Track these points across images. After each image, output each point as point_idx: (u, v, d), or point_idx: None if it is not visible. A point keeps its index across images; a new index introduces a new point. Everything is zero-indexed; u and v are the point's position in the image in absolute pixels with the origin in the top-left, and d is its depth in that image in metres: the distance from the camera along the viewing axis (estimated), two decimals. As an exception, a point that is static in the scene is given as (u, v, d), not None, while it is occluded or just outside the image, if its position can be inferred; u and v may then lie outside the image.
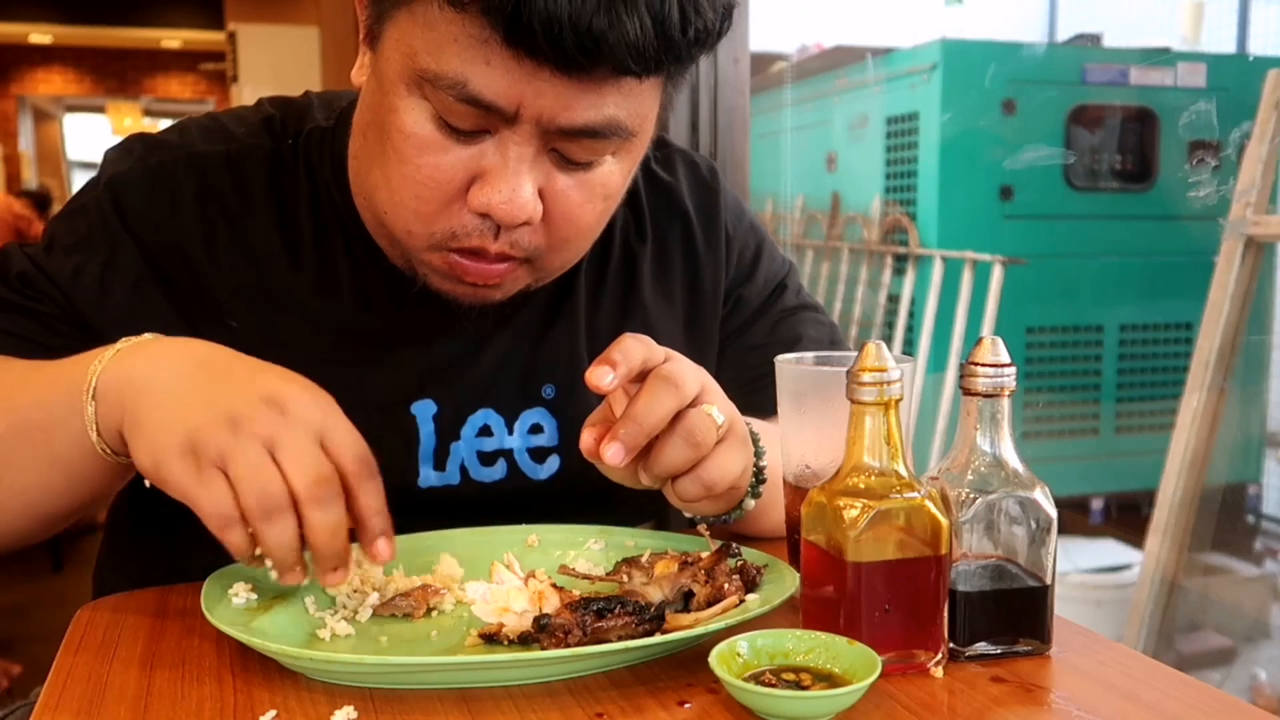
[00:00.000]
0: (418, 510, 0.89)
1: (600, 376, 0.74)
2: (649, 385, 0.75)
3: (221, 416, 0.71)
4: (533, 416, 0.99)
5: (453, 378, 0.97)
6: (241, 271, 0.94)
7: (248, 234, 0.94)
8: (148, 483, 0.74)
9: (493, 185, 0.81)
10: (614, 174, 0.86)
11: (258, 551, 0.71)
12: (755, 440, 0.87)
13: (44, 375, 0.82)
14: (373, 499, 0.73)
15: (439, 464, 0.97)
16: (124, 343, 0.78)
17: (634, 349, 0.76)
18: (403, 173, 0.83)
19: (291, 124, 0.99)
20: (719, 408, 0.78)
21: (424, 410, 0.96)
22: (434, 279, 0.89)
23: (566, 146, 0.81)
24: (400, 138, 0.81)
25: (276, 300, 0.94)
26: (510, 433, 0.99)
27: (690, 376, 0.77)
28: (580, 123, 0.79)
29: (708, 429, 0.76)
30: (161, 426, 0.72)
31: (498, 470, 0.98)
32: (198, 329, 0.87)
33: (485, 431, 0.98)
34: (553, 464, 1.00)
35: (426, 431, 0.96)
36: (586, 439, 0.76)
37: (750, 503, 0.87)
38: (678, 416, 0.76)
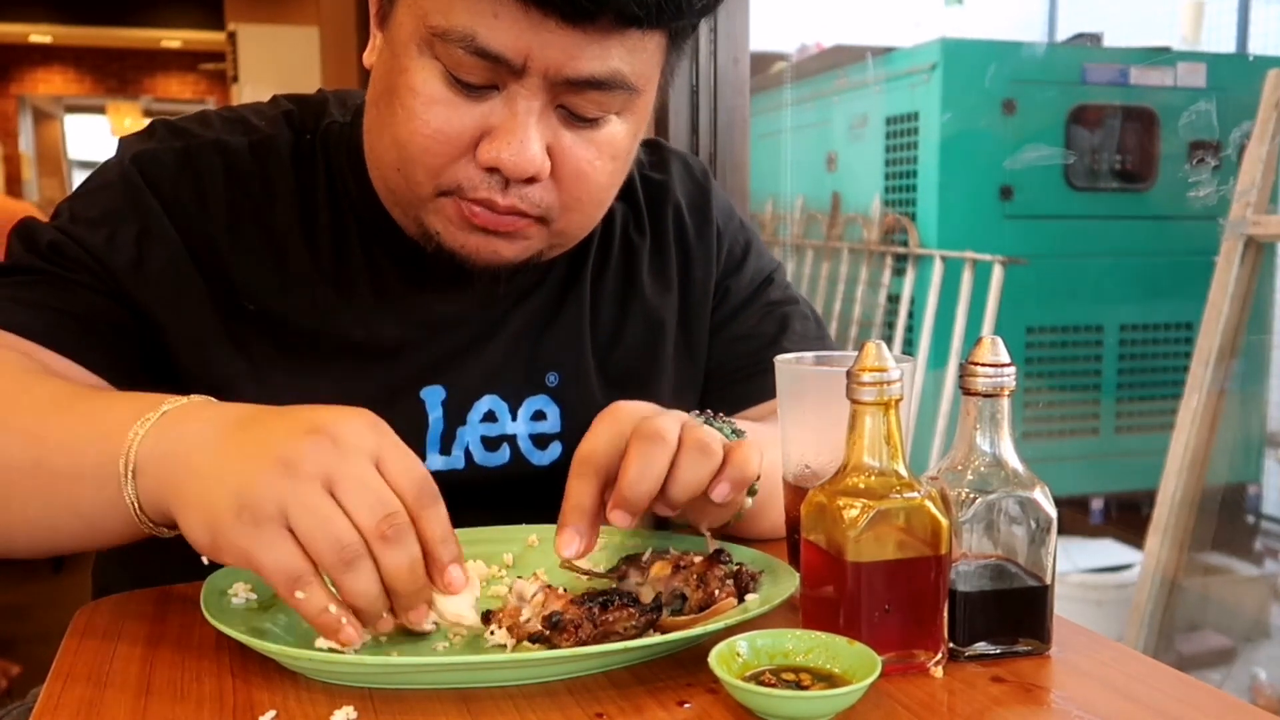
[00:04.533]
0: None
1: (566, 547, 0.76)
2: (634, 448, 0.75)
3: (271, 464, 0.66)
4: (536, 403, 1.01)
5: (461, 364, 0.99)
6: (261, 257, 0.95)
7: (269, 221, 0.96)
8: (205, 560, 0.70)
9: (501, 140, 0.83)
10: (620, 134, 0.88)
11: (333, 608, 0.66)
12: (740, 437, 0.88)
13: (75, 415, 0.77)
14: (438, 527, 0.69)
15: (445, 449, 0.99)
16: (164, 406, 0.74)
17: (588, 462, 0.77)
18: (411, 128, 0.84)
19: (309, 119, 1.01)
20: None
21: (433, 396, 0.98)
22: (446, 234, 0.89)
23: (573, 100, 0.83)
24: (410, 95, 0.84)
25: (293, 287, 0.95)
26: (514, 419, 1.01)
27: (670, 423, 0.76)
28: (586, 73, 0.81)
29: (713, 437, 0.76)
30: (208, 492, 0.68)
31: (501, 455, 1.00)
32: (221, 309, 0.91)
33: (490, 417, 1.00)
34: (555, 450, 1.02)
35: (435, 417, 0.98)
36: (564, 545, 0.76)
37: (748, 502, 0.88)
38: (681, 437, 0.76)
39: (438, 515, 0.69)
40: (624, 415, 0.78)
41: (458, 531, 0.90)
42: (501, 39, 0.79)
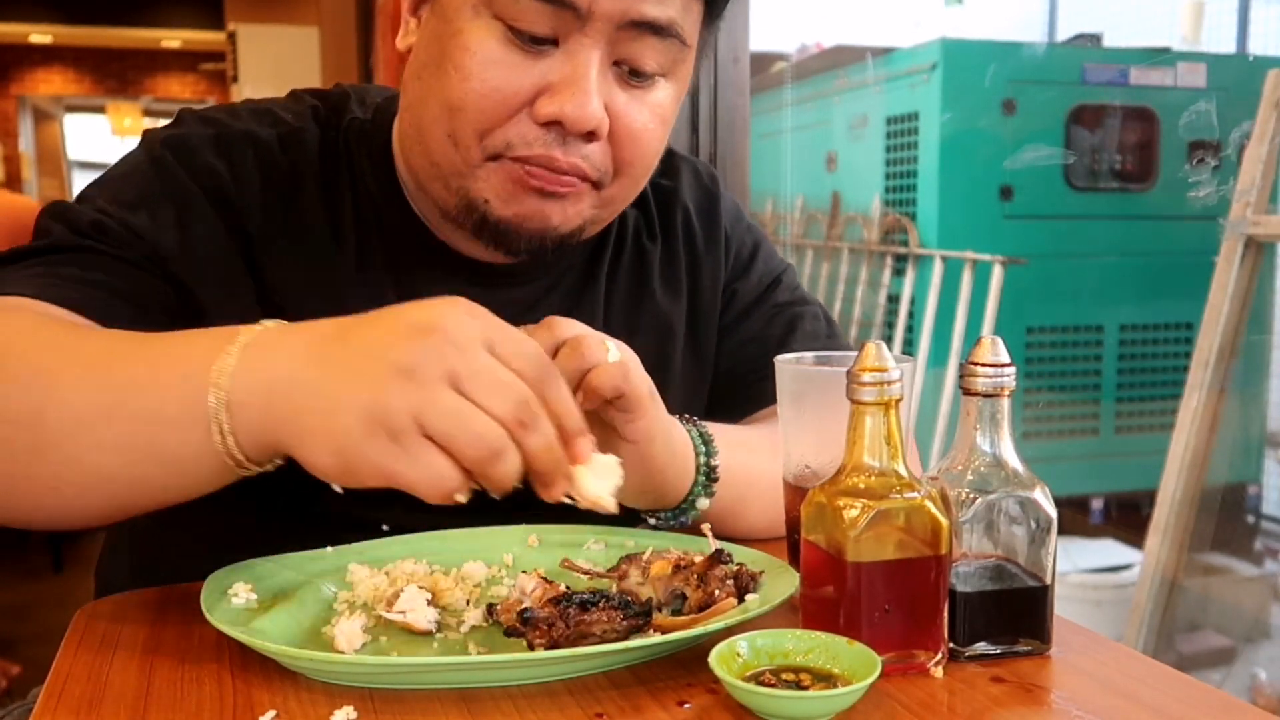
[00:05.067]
0: None
1: None
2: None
3: (391, 373, 0.64)
4: None
5: None
6: (290, 249, 0.95)
7: (297, 215, 0.95)
8: (338, 487, 0.67)
9: (565, 92, 0.84)
10: (667, 99, 0.91)
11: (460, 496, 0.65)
12: (708, 440, 0.90)
13: (144, 358, 0.72)
14: (563, 401, 0.68)
15: None
16: (243, 336, 0.70)
17: None
18: (466, 87, 0.85)
19: (334, 116, 1.01)
20: (625, 357, 0.81)
21: None
22: (495, 203, 0.89)
23: (632, 50, 0.86)
24: (466, 56, 0.85)
25: (321, 279, 0.95)
26: None
27: (567, 321, 0.80)
28: (650, 15, 0.84)
29: (594, 346, 0.79)
30: (331, 417, 0.65)
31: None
32: (253, 294, 0.91)
33: None
34: None
35: None
36: None
37: (704, 502, 0.89)
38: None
39: (560, 391, 0.69)
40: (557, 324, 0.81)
41: (458, 531, 0.91)
42: None
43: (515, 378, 0.66)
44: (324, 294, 0.94)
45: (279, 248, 0.94)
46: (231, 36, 6.77)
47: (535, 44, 0.84)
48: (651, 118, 0.89)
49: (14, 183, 11.06)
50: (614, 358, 0.80)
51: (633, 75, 0.87)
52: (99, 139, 12.67)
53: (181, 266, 0.90)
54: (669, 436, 0.86)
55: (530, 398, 0.66)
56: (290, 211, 0.95)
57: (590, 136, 0.86)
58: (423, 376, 0.63)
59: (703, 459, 0.89)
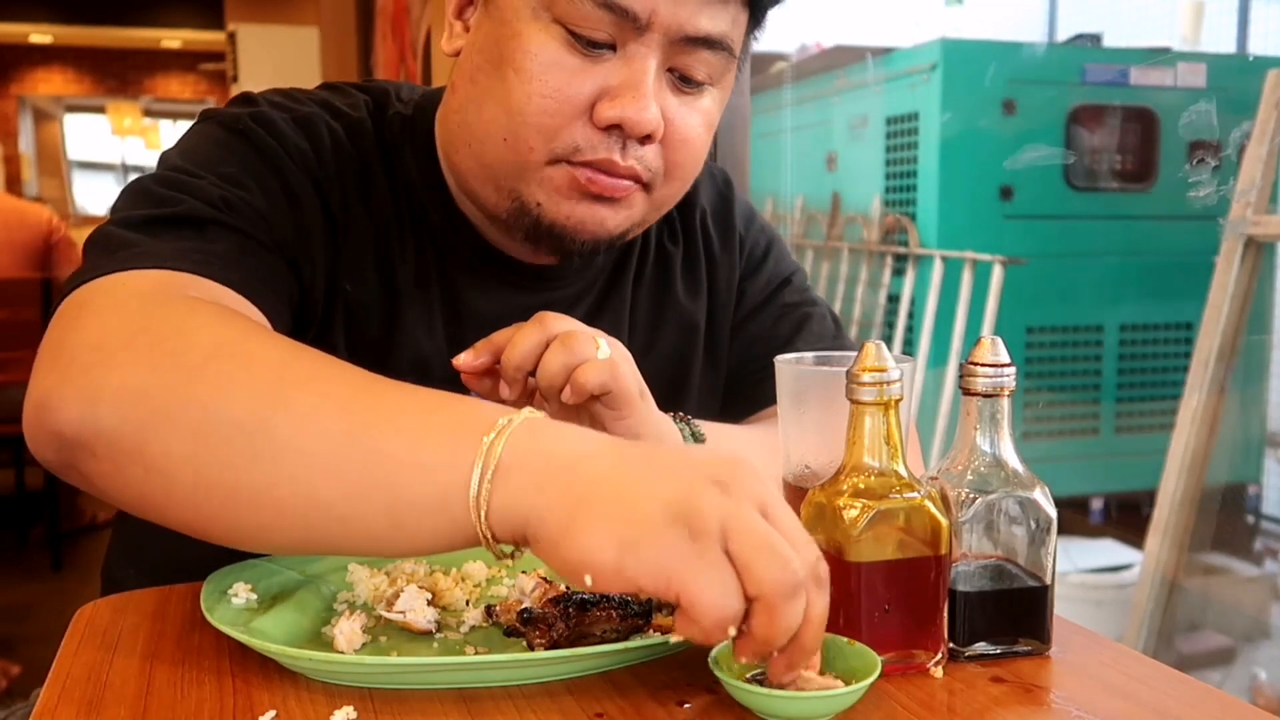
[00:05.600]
0: None
1: (465, 359, 0.82)
2: (517, 333, 0.81)
3: (706, 479, 0.59)
4: None
5: None
6: (364, 238, 0.95)
7: (370, 204, 0.96)
8: (589, 579, 0.59)
9: (626, 97, 0.85)
10: (714, 105, 0.93)
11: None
12: (699, 439, 0.91)
13: (395, 399, 0.67)
14: (820, 609, 0.60)
15: None
16: (507, 416, 0.64)
17: (501, 332, 0.82)
18: (528, 90, 0.86)
19: (379, 109, 1.01)
20: (616, 354, 0.82)
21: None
22: (549, 205, 0.89)
23: (685, 61, 0.87)
24: (527, 58, 0.85)
25: (387, 274, 0.96)
26: None
27: (558, 316, 0.82)
28: (705, 30, 0.86)
29: (583, 342, 0.80)
30: (633, 505, 0.58)
31: None
32: (330, 279, 0.92)
33: None
34: None
35: None
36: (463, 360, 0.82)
37: None
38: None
39: (824, 597, 0.61)
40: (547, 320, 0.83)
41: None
42: None
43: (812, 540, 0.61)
44: (386, 286, 0.96)
45: (354, 234, 0.95)
46: (231, 36, 6.76)
47: (594, 48, 0.85)
48: (700, 123, 0.91)
49: (14, 183, 11.06)
50: (604, 354, 0.80)
51: (684, 81, 0.89)
52: (99, 139, 12.66)
53: (292, 243, 0.89)
54: (658, 434, 0.86)
55: (824, 563, 0.61)
56: (364, 199, 0.95)
57: (647, 140, 0.87)
58: (736, 493, 0.59)
59: None
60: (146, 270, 0.76)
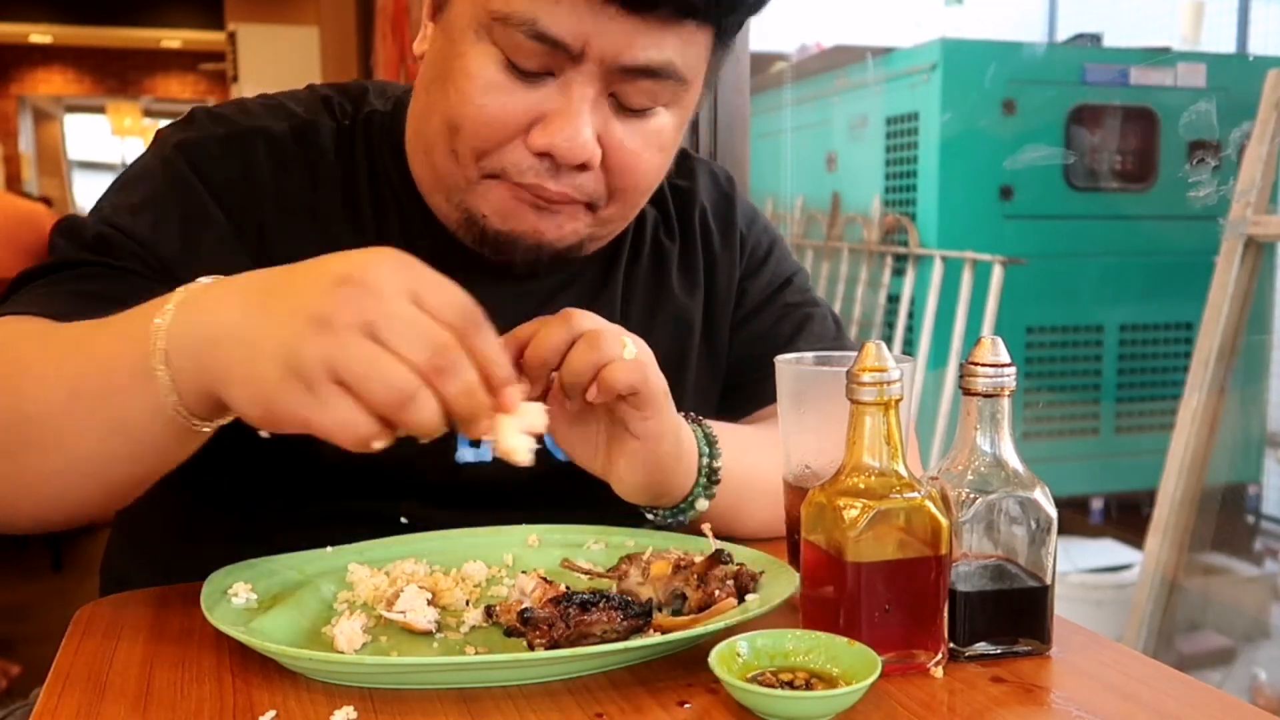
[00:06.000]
0: (451, 487, 0.94)
1: None
2: (542, 329, 0.80)
3: (306, 322, 0.64)
4: None
5: None
6: (306, 240, 0.94)
7: (313, 205, 0.96)
8: (264, 433, 0.68)
9: (555, 125, 0.85)
10: (667, 126, 0.90)
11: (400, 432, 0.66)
12: (712, 442, 0.91)
13: (99, 337, 0.75)
14: (489, 349, 0.68)
15: (474, 441, 0.98)
16: (179, 294, 0.72)
17: (525, 326, 0.82)
18: (464, 111, 0.86)
19: (349, 106, 1.01)
20: (639, 351, 0.82)
21: None
22: (493, 218, 0.90)
23: (625, 90, 0.86)
24: (466, 80, 0.85)
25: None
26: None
27: (585, 314, 0.81)
28: (642, 61, 0.83)
29: (611, 341, 0.79)
30: (252, 365, 0.66)
31: None
32: None
33: None
34: None
35: None
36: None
37: (702, 503, 0.90)
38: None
39: (487, 338, 0.68)
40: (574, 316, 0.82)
41: (457, 531, 0.91)
42: (562, 24, 0.81)
43: (433, 324, 0.65)
44: None
45: (294, 233, 0.95)
46: (231, 36, 6.76)
47: (531, 75, 0.85)
48: (646, 145, 0.89)
49: (14, 183, 11.06)
50: (630, 354, 0.80)
51: (627, 108, 0.87)
52: (99, 139, 12.66)
53: (187, 271, 0.89)
54: (677, 436, 0.86)
55: (449, 343, 0.65)
56: (307, 201, 0.96)
57: (582, 168, 0.87)
58: (337, 325, 0.64)
59: (705, 460, 0.90)
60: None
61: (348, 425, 0.64)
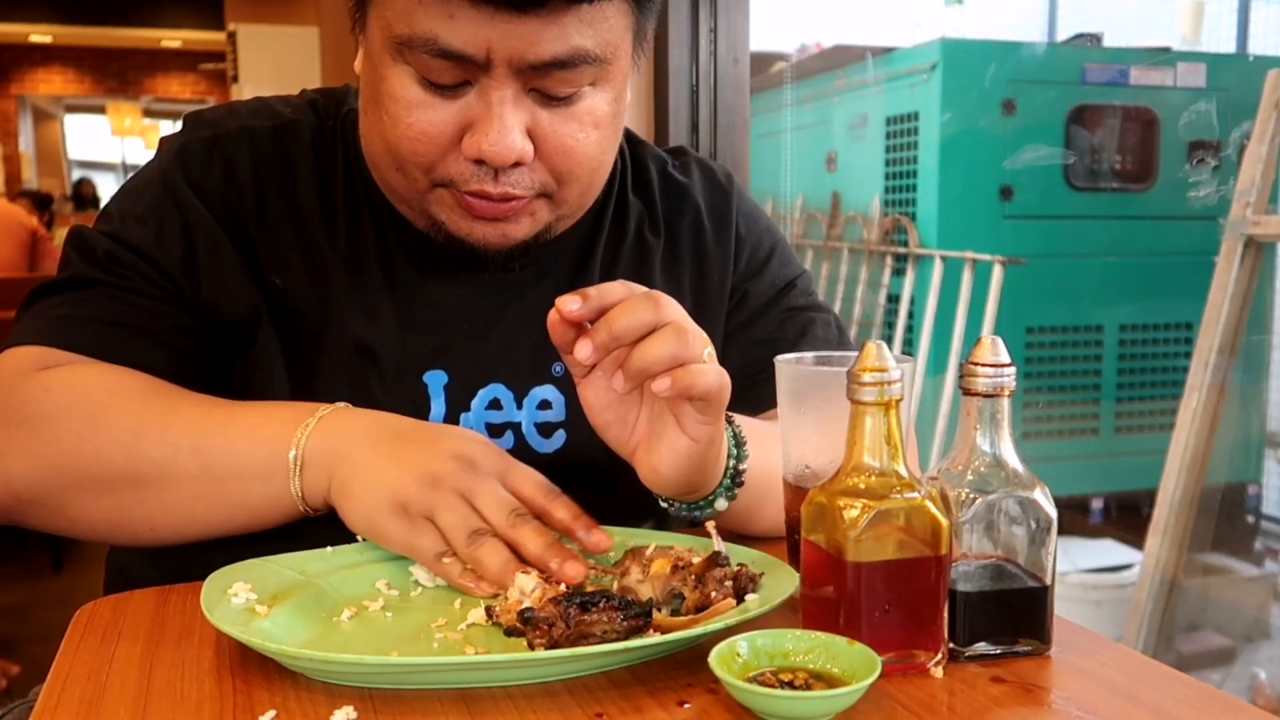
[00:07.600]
0: None
1: (568, 302, 0.76)
2: (628, 299, 0.77)
3: (423, 477, 0.80)
4: (542, 393, 1.02)
5: (465, 352, 1.00)
6: (286, 234, 0.99)
7: (292, 200, 0.99)
8: (361, 538, 0.85)
9: (481, 132, 0.86)
10: (599, 103, 0.90)
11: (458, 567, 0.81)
12: (740, 443, 0.90)
13: (237, 424, 0.87)
14: (565, 510, 0.83)
15: None
16: (322, 412, 0.86)
17: (614, 288, 0.78)
18: (397, 132, 0.88)
19: (332, 107, 1.04)
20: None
21: (435, 380, 1.00)
22: (451, 224, 0.93)
23: (544, 83, 0.86)
24: (391, 102, 0.88)
25: (314, 264, 0.99)
26: (519, 407, 1.02)
27: (672, 302, 0.78)
28: (548, 56, 0.84)
29: (698, 341, 0.77)
30: (370, 492, 0.82)
31: (505, 442, 1.01)
32: (259, 289, 0.97)
33: (494, 405, 1.01)
34: (559, 439, 1.03)
35: (437, 401, 0.99)
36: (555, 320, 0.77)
37: (722, 503, 0.88)
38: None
39: (564, 503, 0.84)
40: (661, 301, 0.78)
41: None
42: (461, 37, 0.82)
43: (513, 498, 0.82)
44: (315, 275, 0.98)
45: (275, 231, 0.98)
46: (231, 36, 6.77)
47: (449, 89, 0.86)
48: (581, 127, 0.89)
49: (14, 182, 11.06)
50: (710, 355, 0.79)
51: (551, 98, 0.88)
52: (99, 139, 12.66)
53: (191, 281, 0.96)
54: (722, 439, 0.86)
55: (523, 510, 0.82)
56: (286, 198, 0.99)
57: (517, 165, 0.88)
58: (443, 486, 0.81)
59: (732, 462, 0.89)
60: (22, 348, 0.92)
61: (434, 546, 0.81)
